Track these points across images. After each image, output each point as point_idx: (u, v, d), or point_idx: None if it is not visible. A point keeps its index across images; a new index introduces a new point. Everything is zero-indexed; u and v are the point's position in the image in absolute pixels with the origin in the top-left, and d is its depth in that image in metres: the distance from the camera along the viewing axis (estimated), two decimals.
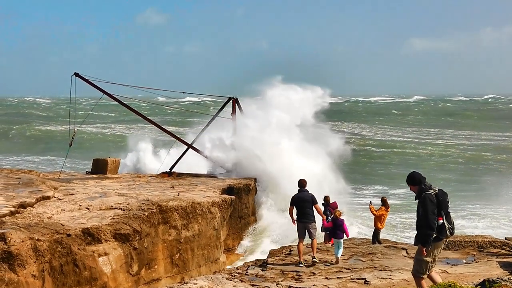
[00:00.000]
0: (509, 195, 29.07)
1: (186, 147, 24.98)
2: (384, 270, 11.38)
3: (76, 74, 22.13)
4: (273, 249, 15.16)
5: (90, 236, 12.45)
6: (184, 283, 10.88)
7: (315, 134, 27.84)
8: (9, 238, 10.74)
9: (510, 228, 23.20)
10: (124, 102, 24.44)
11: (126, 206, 14.54)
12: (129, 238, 13.20)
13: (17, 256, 10.65)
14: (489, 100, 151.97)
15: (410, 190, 8.17)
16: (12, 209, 13.01)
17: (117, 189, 18.07)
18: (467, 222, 24.01)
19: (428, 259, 7.89)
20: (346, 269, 11.69)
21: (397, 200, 27.31)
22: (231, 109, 25.15)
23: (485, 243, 13.51)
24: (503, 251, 13.15)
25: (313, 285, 10.46)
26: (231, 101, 25.19)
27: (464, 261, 12.31)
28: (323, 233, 15.11)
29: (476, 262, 12.15)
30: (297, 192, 12.40)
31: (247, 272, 11.89)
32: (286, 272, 11.60)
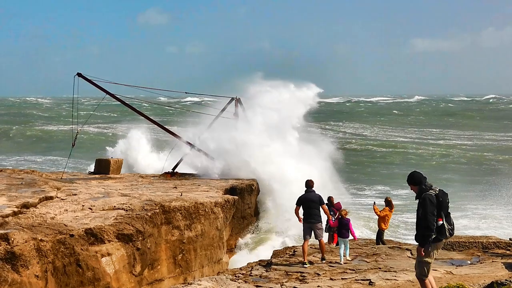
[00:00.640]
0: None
1: (189, 147, 24.89)
2: (389, 271, 11.33)
3: (79, 75, 22.08)
4: (277, 250, 15.13)
5: (93, 236, 12.40)
6: (188, 284, 10.83)
7: (308, 135, 27.39)
8: (12, 239, 10.71)
9: None
10: (127, 103, 24.39)
11: (129, 207, 14.49)
12: (132, 239, 13.15)
13: (20, 257, 10.61)
14: (491, 100, 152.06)
15: (411, 189, 8.15)
16: (15, 209, 12.97)
17: (120, 189, 18.02)
18: (470, 222, 23.97)
19: (429, 260, 7.91)
20: (351, 270, 11.64)
21: (399, 201, 27.25)
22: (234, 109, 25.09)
23: (490, 244, 13.46)
24: (507, 252, 13.10)
25: (318, 286, 10.41)
26: (233, 101, 25.15)
27: (469, 262, 12.25)
28: (327, 233, 15.07)
29: (481, 263, 12.10)
30: (304, 192, 12.40)
31: (251, 273, 11.85)
32: (290, 273, 11.55)
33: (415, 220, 8.07)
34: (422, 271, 7.98)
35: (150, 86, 25.38)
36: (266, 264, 12.55)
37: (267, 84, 27.79)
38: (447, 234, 7.82)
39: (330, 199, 15.51)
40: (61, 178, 20.84)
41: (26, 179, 17.73)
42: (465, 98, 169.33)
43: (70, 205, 14.33)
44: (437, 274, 10.89)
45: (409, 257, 12.81)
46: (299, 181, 20.96)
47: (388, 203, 15.50)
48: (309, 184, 12.43)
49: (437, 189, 7.89)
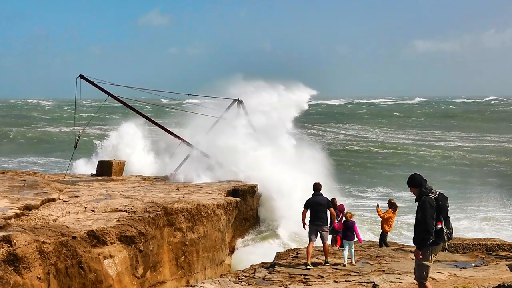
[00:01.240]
0: None
1: (191, 148, 24.82)
2: (393, 273, 11.29)
3: (81, 76, 22.03)
4: (280, 252, 15.07)
5: (96, 238, 12.36)
6: (191, 286, 10.79)
7: (298, 139, 26.75)
8: (15, 241, 10.66)
9: None
10: (129, 104, 24.33)
11: (131, 208, 14.45)
12: (135, 241, 13.11)
13: (23, 259, 10.56)
14: (492, 102, 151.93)
15: (411, 192, 8.12)
16: (18, 211, 12.92)
17: (122, 191, 17.99)
18: (472, 224, 23.90)
19: (428, 263, 7.92)
20: (354, 272, 11.60)
21: (402, 203, 27.11)
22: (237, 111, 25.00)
23: (494, 246, 13.41)
24: None
25: None
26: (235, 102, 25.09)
27: (473, 264, 12.21)
28: (330, 235, 15.01)
29: (485, 265, 12.05)
30: (311, 196, 12.39)
31: (254, 275, 11.81)
32: (293, 276, 11.51)
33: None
34: (421, 274, 7.99)
35: (151, 88, 25.31)
36: (269, 266, 12.50)
37: (251, 85, 26.85)
38: (445, 238, 7.83)
39: (333, 201, 15.45)
40: (64, 180, 20.80)
41: (28, 181, 17.70)
42: (466, 100, 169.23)
43: (73, 207, 14.29)
44: (441, 276, 10.86)
45: (412, 259, 12.72)
46: (291, 186, 20.76)
47: (392, 205, 15.41)
48: (316, 187, 12.43)
49: (437, 192, 7.88)
